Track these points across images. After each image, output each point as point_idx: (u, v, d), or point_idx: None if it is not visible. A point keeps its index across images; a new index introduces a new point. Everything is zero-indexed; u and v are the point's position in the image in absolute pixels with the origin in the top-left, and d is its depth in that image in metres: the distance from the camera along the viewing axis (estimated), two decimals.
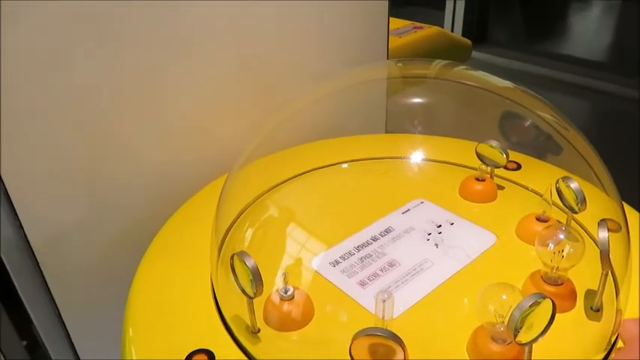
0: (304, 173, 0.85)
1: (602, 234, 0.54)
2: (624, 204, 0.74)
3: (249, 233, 0.72)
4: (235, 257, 0.54)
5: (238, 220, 0.74)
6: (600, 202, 0.66)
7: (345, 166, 0.88)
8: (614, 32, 3.81)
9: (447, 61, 0.85)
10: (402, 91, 0.91)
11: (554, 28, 3.79)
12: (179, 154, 0.85)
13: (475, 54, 2.95)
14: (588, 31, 3.83)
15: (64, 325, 0.81)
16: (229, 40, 0.84)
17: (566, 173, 0.70)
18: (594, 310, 0.58)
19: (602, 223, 0.56)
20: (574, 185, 0.66)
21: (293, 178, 0.84)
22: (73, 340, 0.83)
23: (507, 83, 0.78)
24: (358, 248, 0.70)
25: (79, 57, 0.68)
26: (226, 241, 0.69)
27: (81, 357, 0.85)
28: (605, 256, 0.54)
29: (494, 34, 3.36)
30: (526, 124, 0.80)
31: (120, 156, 0.78)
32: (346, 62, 1.03)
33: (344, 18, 1.00)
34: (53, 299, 0.78)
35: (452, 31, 3.20)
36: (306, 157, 0.88)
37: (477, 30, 3.22)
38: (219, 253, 0.65)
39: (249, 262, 0.52)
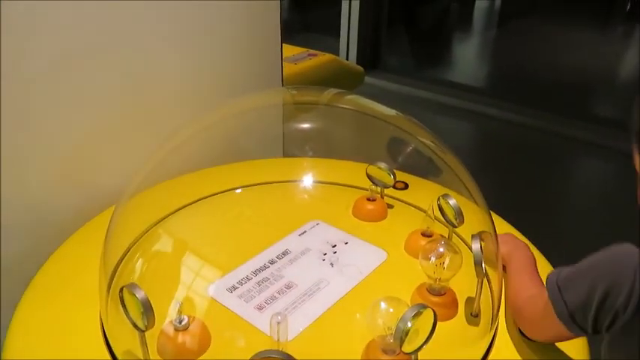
0: (198, 200, 0.84)
1: (475, 246, 0.60)
2: (497, 216, 0.82)
3: (141, 265, 0.70)
4: (125, 290, 0.52)
5: (129, 252, 0.71)
6: (477, 216, 0.72)
7: (238, 191, 0.88)
8: (492, 61, 4.21)
9: (338, 90, 0.90)
10: (298, 117, 0.94)
11: (440, 56, 4.10)
12: (62, 186, 0.80)
13: (368, 79, 3.09)
14: (470, 60, 4.19)
15: None
16: (117, 66, 0.82)
17: (447, 191, 0.75)
18: (473, 316, 0.63)
19: (475, 236, 0.61)
20: (452, 202, 0.72)
21: (187, 205, 0.83)
22: None
23: (393, 111, 0.84)
24: (255, 272, 0.70)
25: None
26: (117, 274, 0.67)
27: None
28: (478, 266, 0.60)
29: (387, 61, 3.56)
30: (410, 148, 0.86)
31: None
32: (242, 88, 1.04)
33: (237, 45, 1.02)
34: None
35: (347, 57, 3.34)
36: (200, 183, 0.87)
37: (371, 57, 3.39)
38: (108, 287, 0.63)
39: (139, 294, 0.51)
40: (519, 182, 2.16)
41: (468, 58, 4.27)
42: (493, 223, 0.68)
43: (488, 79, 3.72)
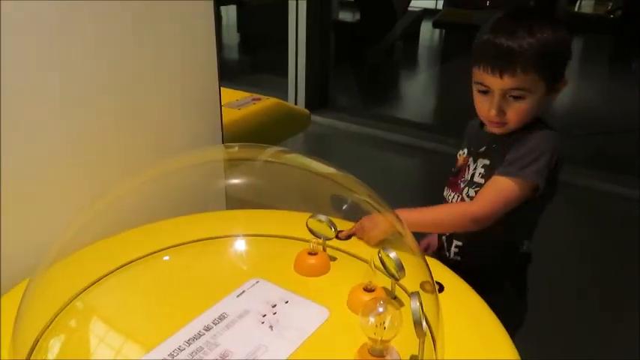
0: (125, 265, 0.79)
1: (414, 305, 0.58)
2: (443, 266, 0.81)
3: (60, 345, 0.64)
4: None
5: (46, 330, 0.64)
6: (418, 267, 0.71)
7: (166, 258, 0.83)
8: (437, 97, 4.34)
9: (278, 148, 0.89)
10: (237, 174, 0.91)
11: (387, 94, 4.19)
12: None
13: (318, 118, 3.12)
14: (416, 97, 4.30)
15: None
16: (35, 123, 0.77)
17: (387, 243, 0.74)
18: None
19: (414, 294, 0.59)
20: (393, 255, 0.71)
21: (112, 272, 0.77)
22: None
23: (332, 169, 0.83)
24: (189, 342, 0.66)
25: None
26: (32, 357, 0.60)
27: None
28: (418, 326, 0.57)
29: (335, 100, 3.61)
30: (350, 202, 0.86)
31: None
32: (178, 141, 1.01)
33: (173, 95, 0.99)
34: None
35: (295, 96, 3.36)
36: (124, 246, 0.81)
37: (319, 96, 3.43)
38: None
39: None
40: None
41: (414, 94, 4.39)
42: (431, 273, 0.67)
43: (434, 115, 3.82)
